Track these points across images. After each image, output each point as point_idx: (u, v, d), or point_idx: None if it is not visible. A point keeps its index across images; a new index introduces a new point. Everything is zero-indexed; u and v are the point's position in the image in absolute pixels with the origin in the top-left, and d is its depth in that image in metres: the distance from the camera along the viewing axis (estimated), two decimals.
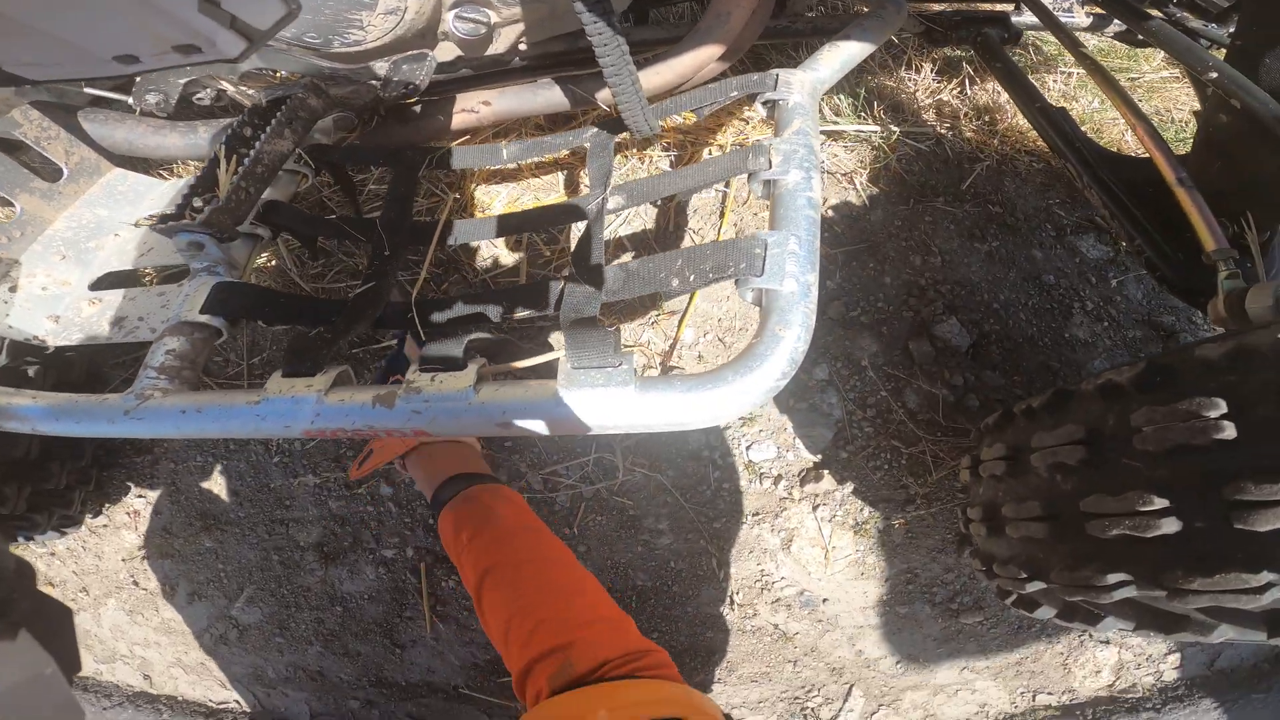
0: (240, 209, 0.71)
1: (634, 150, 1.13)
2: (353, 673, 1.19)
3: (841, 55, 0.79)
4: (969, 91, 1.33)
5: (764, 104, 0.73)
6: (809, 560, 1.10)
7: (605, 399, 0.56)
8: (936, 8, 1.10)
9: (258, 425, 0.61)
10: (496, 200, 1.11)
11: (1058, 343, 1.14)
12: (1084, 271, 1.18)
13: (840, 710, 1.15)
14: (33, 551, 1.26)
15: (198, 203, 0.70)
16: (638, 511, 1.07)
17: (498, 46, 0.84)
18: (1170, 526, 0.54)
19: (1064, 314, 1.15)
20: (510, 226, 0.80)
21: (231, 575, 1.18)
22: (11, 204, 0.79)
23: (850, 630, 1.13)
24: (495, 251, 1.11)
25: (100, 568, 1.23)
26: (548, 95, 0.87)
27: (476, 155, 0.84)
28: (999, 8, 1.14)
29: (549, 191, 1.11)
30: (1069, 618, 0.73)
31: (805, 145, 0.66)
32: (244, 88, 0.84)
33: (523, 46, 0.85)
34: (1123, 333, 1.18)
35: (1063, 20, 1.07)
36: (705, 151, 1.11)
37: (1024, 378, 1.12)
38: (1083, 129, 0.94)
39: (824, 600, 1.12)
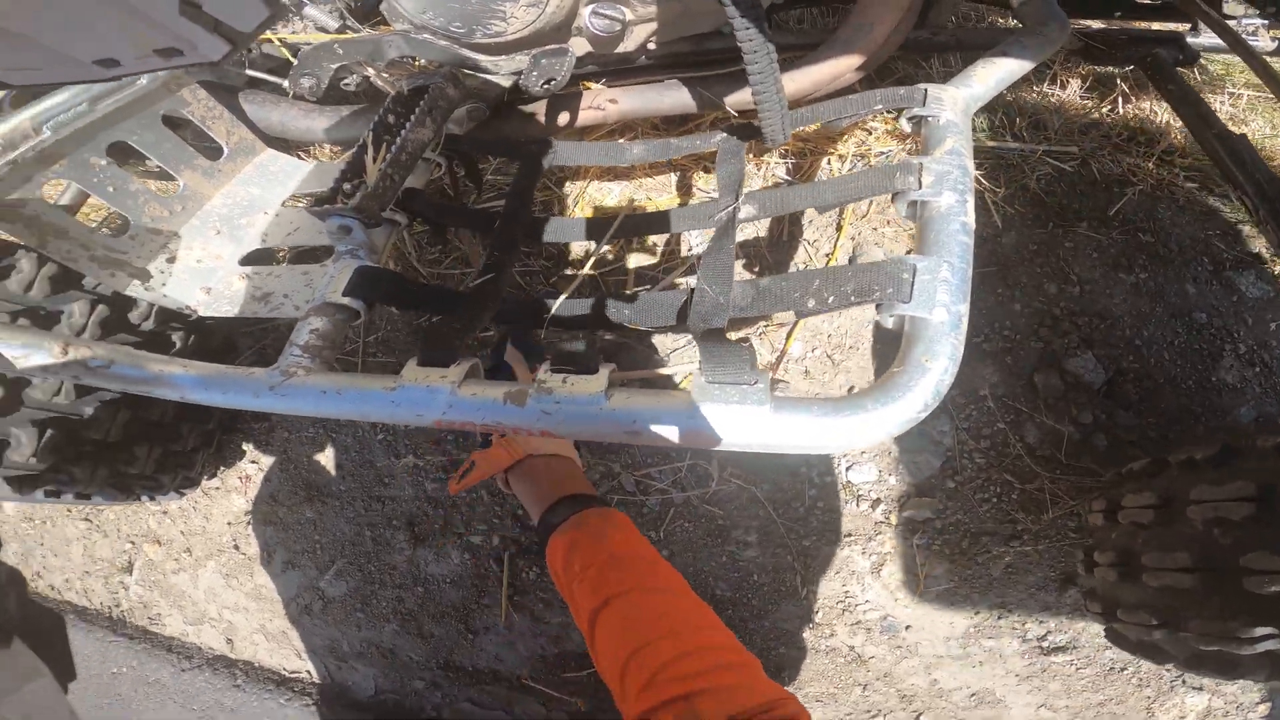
0: (386, 196, 0.75)
1: (750, 156, 1.12)
2: (423, 653, 1.25)
3: (998, 72, 0.74)
4: (1121, 110, 1.22)
5: (910, 120, 0.70)
6: (897, 586, 1.07)
7: (739, 416, 0.56)
8: (1098, 25, 1.03)
9: (393, 411, 0.65)
10: (609, 197, 1.13)
11: (1202, 386, 1.05)
12: (1241, 311, 1.07)
13: None
14: (145, 509, 1.40)
15: (347, 187, 0.75)
16: (727, 522, 1.06)
17: (627, 45, 0.84)
18: (1187, 582, 0.52)
19: (1213, 356, 1.05)
20: (636, 228, 0.80)
21: (325, 547, 1.26)
22: (175, 179, 0.86)
23: (928, 659, 1.09)
24: (603, 248, 1.13)
25: (207, 529, 1.34)
26: (675, 96, 0.87)
27: (601, 153, 0.84)
28: (1172, 27, 1.05)
29: (661, 191, 1.12)
30: (1195, 667, 0.72)
31: (959, 166, 0.63)
32: (387, 74, 0.89)
33: (651, 46, 0.86)
34: (1276, 380, 1.07)
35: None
36: (824, 161, 1.08)
37: (1160, 420, 1.03)
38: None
39: (906, 627, 1.08)
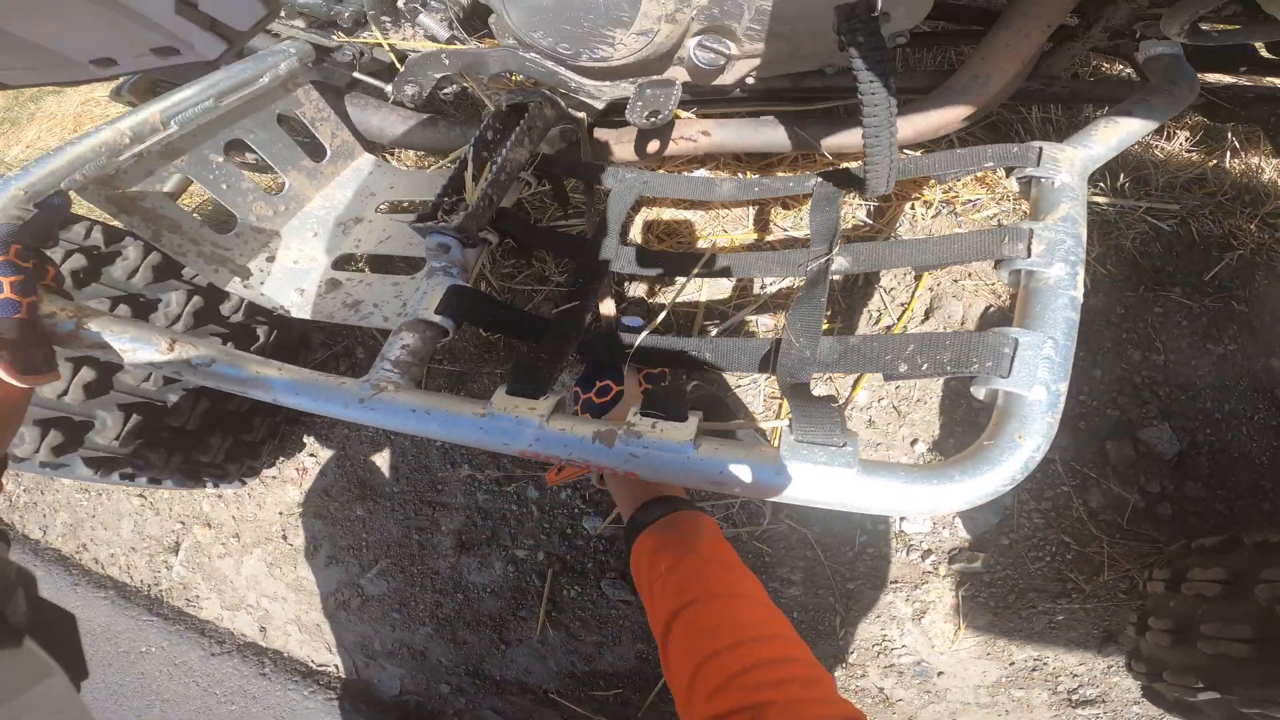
0: (484, 216, 0.77)
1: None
2: (453, 659, 1.27)
3: (1120, 132, 0.72)
4: (1228, 165, 1.18)
5: (1021, 180, 0.69)
6: (936, 634, 1.06)
7: (826, 476, 0.56)
8: (1228, 80, 0.98)
9: (481, 437, 0.66)
10: (684, 227, 1.15)
11: (1276, 462, 1.02)
12: None
13: None
14: (200, 491, 1.45)
15: (447, 204, 0.78)
16: (774, 559, 1.07)
17: (726, 78, 0.85)
18: (1242, 651, 0.59)
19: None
20: (724, 269, 0.81)
21: (371, 546, 1.30)
22: (281, 179, 0.89)
23: (955, 705, 1.08)
24: (680, 281, 1.15)
25: (259, 517, 1.39)
26: (769, 134, 0.87)
27: (694, 187, 0.84)
28: None
29: (738, 225, 1.13)
30: (1179, 713, 0.84)
31: (1073, 235, 0.62)
32: (487, 88, 0.91)
33: (749, 80, 0.86)
34: None
35: None
36: (907, 206, 1.08)
37: (1229, 494, 1.01)
38: None
39: (939, 673, 1.07)
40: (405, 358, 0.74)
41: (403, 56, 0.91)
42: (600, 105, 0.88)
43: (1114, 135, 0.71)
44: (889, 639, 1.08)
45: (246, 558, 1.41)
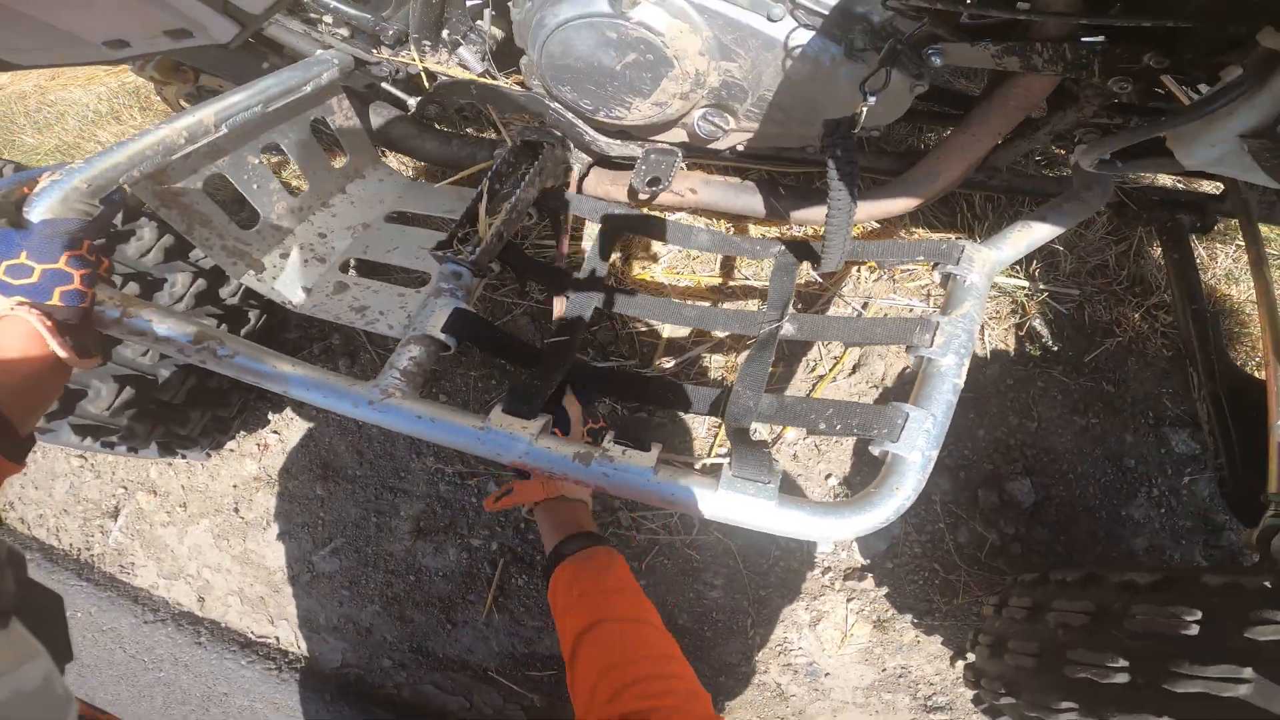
0: (495, 250, 0.91)
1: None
2: (398, 636, 1.39)
3: (1031, 236, 0.87)
4: (1130, 257, 1.38)
5: (942, 273, 0.89)
6: (827, 640, 1.29)
7: (752, 506, 0.75)
8: (1145, 180, 1.11)
9: (477, 446, 0.81)
10: (661, 260, 1.32)
11: (1113, 518, 1.32)
12: (1165, 463, 1.34)
13: None
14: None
15: (461, 234, 0.91)
16: (700, 565, 1.27)
17: (719, 144, 1.01)
18: (1121, 679, 0.76)
19: (1129, 495, 1.32)
20: (688, 319, 0.98)
21: (327, 525, 1.39)
22: (302, 179, 0.97)
23: (836, 703, 1.32)
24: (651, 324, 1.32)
25: (210, 488, 1.45)
26: (748, 200, 1.03)
27: (676, 232, 0.99)
28: (1203, 187, 1.15)
29: (707, 267, 1.31)
30: None
31: (967, 331, 0.81)
32: (504, 118, 1.03)
33: (739, 148, 1.02)
34: (1176, 521, 1.34)
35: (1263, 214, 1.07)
36: (854, 269, 1.30)
37: (1069, 539, 1.30)
38: (1224, 328, 1.02)
39: (826, 674, 1.30)
40: (412, 368, 0.87)
41: (432, 76, 1.01)
42: (608, 156, 1.03)
43: (1025, 240, 0.87)
44: (789, 641, 1.31)
45: (192, 528, 1.46)
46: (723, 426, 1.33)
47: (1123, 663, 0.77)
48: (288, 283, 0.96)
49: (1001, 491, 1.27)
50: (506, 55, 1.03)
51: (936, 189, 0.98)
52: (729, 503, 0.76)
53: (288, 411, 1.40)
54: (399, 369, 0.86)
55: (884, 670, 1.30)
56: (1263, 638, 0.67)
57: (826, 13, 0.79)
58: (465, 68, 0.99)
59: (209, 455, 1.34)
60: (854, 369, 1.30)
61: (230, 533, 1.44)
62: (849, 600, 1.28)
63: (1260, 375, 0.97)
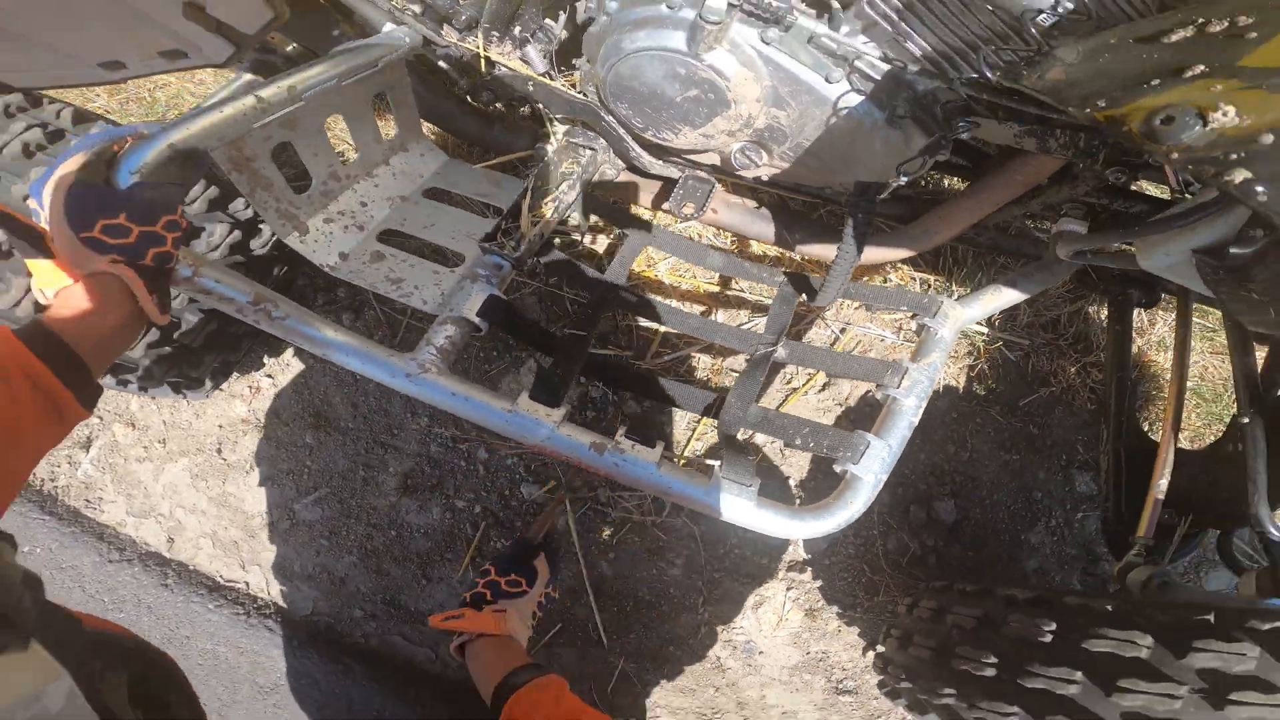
0: (536, 248, 1.01)
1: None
2: (372, 588, 1.47)
3: (1001, 299, 1.03)
4: (1081, 316, 1.58)
5: (918, 324, 1.06)
6: (765, 622, 1.49)
7: (734, 503, 0.90)
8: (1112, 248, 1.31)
9: (504, 426, 0.92)
10: (662, 263, 1.44)
11: (1014, 541, 1.56)
12: (1066, 499, 1.58)
13: None
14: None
15: (506, 227, 1.00)
16: (665, 545, 1.42)
17: (748, 174, 1.12)
18: (990, 673, 0.96)
19: (1031, 522, 1.57)
20: (693, 328, 1.12)
21: (313, 474, 1.46)
22: (353, 148, 1.01)
23: (765, 679, 1.52)
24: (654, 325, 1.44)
25: (194, 426, 1.47)
26: (762, 227, 1.15)
27: (689, 250, 1.12)
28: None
29: (708, 275, 1.45)
30: (913, 709, 1.21)
31: (929, 379, 0.98)
32: (553, 116, 1.11)
33: (763, 178, 1.12)
34: (1064, 549, 1.61)
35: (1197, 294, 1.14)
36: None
37: (977, 556, 1.54)
38: (1141, 392, 1.21)
39: (760, 652, 1.50)
40: (447, 346, 0.96)
41: (491, 64, 1.06)
42: (645, 170, 1.13)
43: (995, 301, 1.03)
44: (733, 620, 1.49)
45: (170, 465, 1.49)
46: (701, 422, 1.49)
47: (993, 660, 0.97)
48: (327, 247, 1.02)
49: (930, 509, 1.49)
50: (568, 55, 1.09)
51: (932, 244, 1.12)
52: (716, 499, 0.91)
53: (284, 357, 1.44)
54: (436, 346, 0.95)
55: (808, 653, 1.51)
56: (1095, 649, 0.88)
57: (879, 79, 0.89)
58: (528, 64, 1.06)
59: (208, 395, 1.37)
60: (824, 387, 1.48)
61: (210, 473, 1.48)
62: (788, 589, 1.47)
63: (1157, 439, 1.17)
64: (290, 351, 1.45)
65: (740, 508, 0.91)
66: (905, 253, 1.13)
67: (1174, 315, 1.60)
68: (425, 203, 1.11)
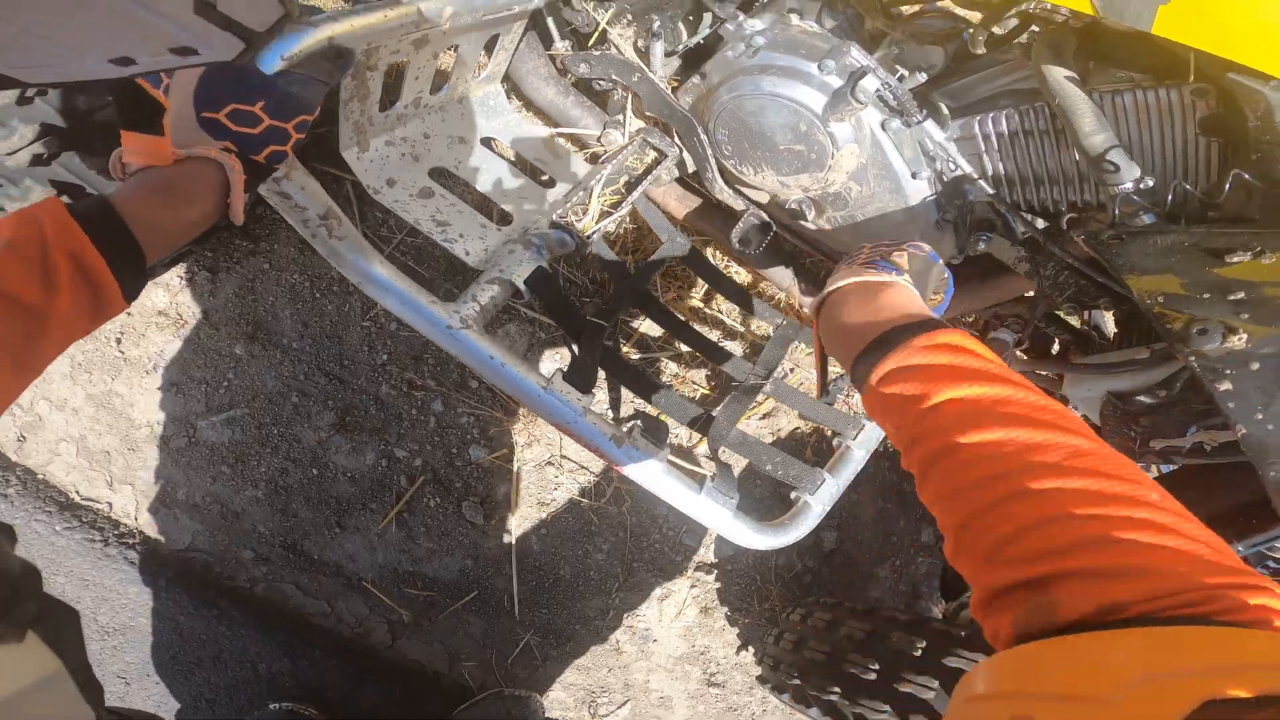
0: (597, 232, 1.10)
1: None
2: (273, 528, 1.42)
3: None
4: None
5: None
6: (665, 614, 1.72)
7: (714, 510, 1.08)
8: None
9: (536, 402, 1.01)
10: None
11: (867, 572, 1.98)
12: (911, 545, 2.03)
13: (612, 714, 1.77)
14: None
15: (572, 203, 1.08)
16: (595, 530, 1.57)
17: (790, 222, 1.26)
18: (871, 676, 1.28)
19: (883, 559, 1.99)
20: (697, 345, 1.29)
21: (234, 390, 1.36)
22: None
23: (652, 665, 1.76)
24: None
25: None
26: (779, 273, 1.35)
27: (712, 276, 1.28)
28: None
29: (703, 289, 1.62)
30: (799, 702, 1.48)
31: (878, 437, 1.26)
32: (639, 110, 1.18)
33: (811, 228, 1.25)
34: (899, 585, 2.05)
35: None
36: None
37: (839, 580, 1.93)
38: None
39: (655, 640, 1.73)
40: (489, 305, 1.03)
41: (601, 41, 1.09)
42: (711, 195, 1.25)
43: None
44: (638, 608, 1.69)
45: None
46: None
47: (876, 666, 1.30)
48: (380, 170, 1.02)
49: (818, 535, 1.83)
50: (687, 61, 1.15)
51: None
52: (703, 505, 1.09)
53: (235, 255, 1.32)
54: (479, 302, 1.01)
55: (693, 646, 1.77)
56: (949, 664, 1.23)
57: (948, 184, 1.01)
58: (646, 57, 1.12)
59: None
60: (765, 415, 1.74)
61: (98, 365, 1.31)
62: (692, 587, 1.71)
63: None
64: (245, 251, 1.33)
65: (720, 517, 1.10)
66: None
67: None
68: (481, 150, 1.14)
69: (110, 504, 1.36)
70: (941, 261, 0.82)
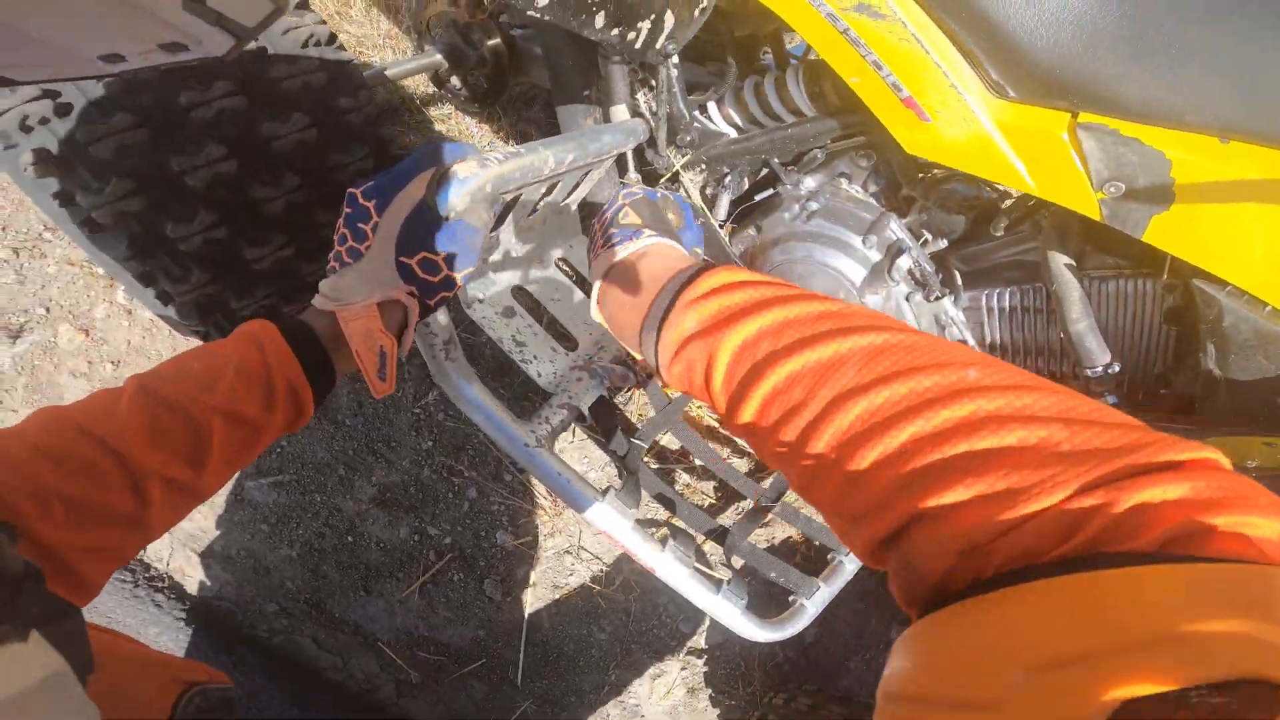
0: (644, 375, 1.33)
1: None
2: (300, 586, 1.55)
3: None
4: None
5: None
6: (655, 692, 1.87)
7: (726, 607, 1.30)
8: None
9: (591, 513, 1.22)
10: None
11: (840, 664, 2.19)
12: (885, 639, 2.27)
13: None
14: (104, 290, 1.37)
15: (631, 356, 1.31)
16: (601, 612, 1.74)
17: None
18: None
19: (854, 653, 2.21)
20: (709, 459, 1.52)
21: (283, 456, 1.51)
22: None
23: None
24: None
25: (163, 357, 1.43)
26: None
27: None
28: None
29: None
30: None
31: None
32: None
33: None
34: (868, 678, 2.28)
35: None
36: None
37: (813, 668, 2.13)
38: None
39: (642, 716, 1.89)
40: (558, 426, 1.23)
41: (675, 181, 1.25)
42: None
43: None
44: (631, 685, 1.86)
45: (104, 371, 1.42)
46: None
47: None
48: (478, 286, 1.22)
49: (802, 636, 2.04)
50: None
51: None
52: (719, 604, 1.30)
53: None
54: (550, 424, 1.22)
55: None
56: None
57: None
58: (710, 203, 1.35)
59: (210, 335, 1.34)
60: (764, 524, 1.96)
61: None
62: (682, 669, 1.89)
63: None
64: None
65: (730, 614, 1.30)
66: None
67: None
68: (554, 272, 1.36)
69: (146, 549, 1.47)
70: (659, 188, 0.84)
